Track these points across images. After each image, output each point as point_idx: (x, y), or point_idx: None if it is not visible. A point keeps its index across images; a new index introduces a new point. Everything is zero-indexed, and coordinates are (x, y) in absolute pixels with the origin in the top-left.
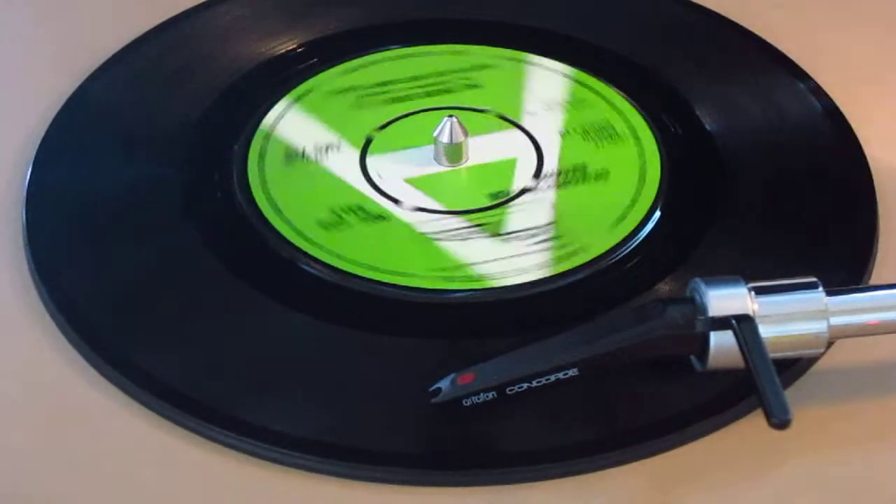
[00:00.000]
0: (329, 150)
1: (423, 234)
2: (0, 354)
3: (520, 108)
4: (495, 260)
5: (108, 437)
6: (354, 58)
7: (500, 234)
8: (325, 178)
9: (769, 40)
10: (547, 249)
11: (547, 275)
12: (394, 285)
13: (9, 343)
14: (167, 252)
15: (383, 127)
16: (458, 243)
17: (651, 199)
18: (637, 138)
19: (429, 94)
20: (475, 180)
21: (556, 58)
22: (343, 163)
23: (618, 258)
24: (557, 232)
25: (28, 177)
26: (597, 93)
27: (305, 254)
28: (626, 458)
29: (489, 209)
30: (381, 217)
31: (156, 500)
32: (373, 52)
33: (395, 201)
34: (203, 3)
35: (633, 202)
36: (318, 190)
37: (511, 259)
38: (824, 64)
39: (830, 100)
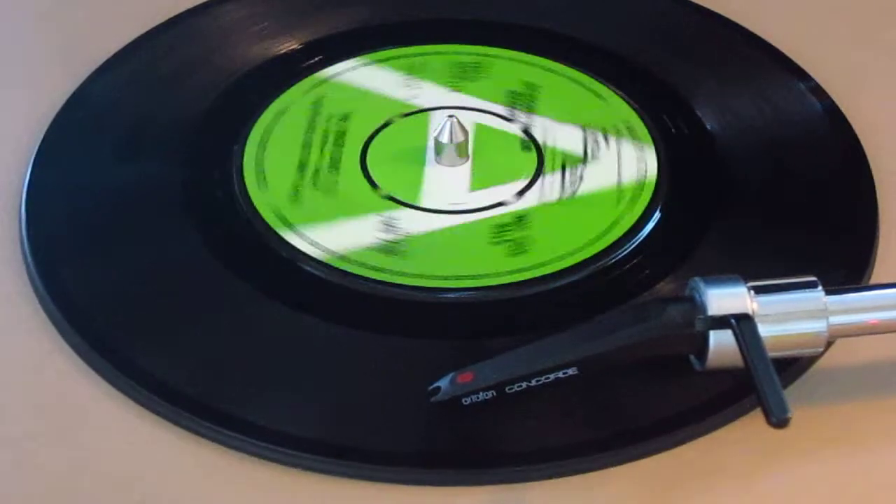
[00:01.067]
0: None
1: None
2: (0, 354)
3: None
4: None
5: (108, 437)
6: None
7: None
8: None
9: (769, 40)
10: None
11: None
12: (394, 285)
13: (9, 343)
14: (167, 252)
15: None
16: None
17: (651, 199)
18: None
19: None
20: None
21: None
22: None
23: (618, 258)
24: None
25: (28, 177)
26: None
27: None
28: (625, 457)
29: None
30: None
31: (156, 500)
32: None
33: (374, 186)
34: (203, 4)
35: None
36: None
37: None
38: (824, 64)
39: (830, 100)
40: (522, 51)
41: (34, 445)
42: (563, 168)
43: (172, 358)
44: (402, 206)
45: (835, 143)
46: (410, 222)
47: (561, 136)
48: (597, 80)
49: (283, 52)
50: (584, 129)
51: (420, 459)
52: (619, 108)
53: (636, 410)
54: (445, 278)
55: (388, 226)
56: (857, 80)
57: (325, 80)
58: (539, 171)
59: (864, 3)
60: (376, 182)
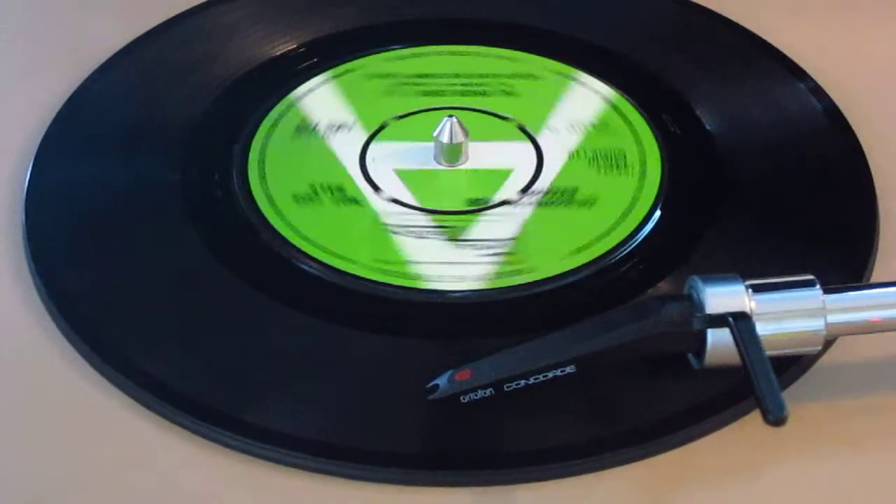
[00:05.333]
0: (340, 129)
1: (384, 224)
2: (0, 354)
3: (542, 123)
4: (439, 263)
5: (108, 437)
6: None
7: (456, 239)
8: (321, 153)
9: (769, 40)
10: (494, 263)
11: (488, 287)
12: (394, 285)
13: (9, 343)
14: (167, 252)
15: (402, 117)
16: (412, 239)
17: (651, 199)
18: (644, 173)
19: (463, 94)
20: (461, 184)
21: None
22: (346, 143)
23: (618, 258)
24: (512, 248)
25: (28, 177)
26: (627, 121)
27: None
28: (625, 457)
29: (460, 213)
30: (355, 201)
31: (156, 500)
32: (427, 45)
33: (376, 188)
34: (203, 3)
35: (606, 234)
36: (309, 163)
37: (454, 265)
38: (824, 64)
39: (830, 100)
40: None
41: (34, 445)
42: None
43: (172, 358)
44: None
45: (835, 143)
46: (485, 230)
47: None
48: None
49: (282, 52)
50: (594, 154)
51: (419, 460)
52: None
53: (636, 411)
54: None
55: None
56: (857, 80)
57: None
58: (528, 187)
59: (864, 3)
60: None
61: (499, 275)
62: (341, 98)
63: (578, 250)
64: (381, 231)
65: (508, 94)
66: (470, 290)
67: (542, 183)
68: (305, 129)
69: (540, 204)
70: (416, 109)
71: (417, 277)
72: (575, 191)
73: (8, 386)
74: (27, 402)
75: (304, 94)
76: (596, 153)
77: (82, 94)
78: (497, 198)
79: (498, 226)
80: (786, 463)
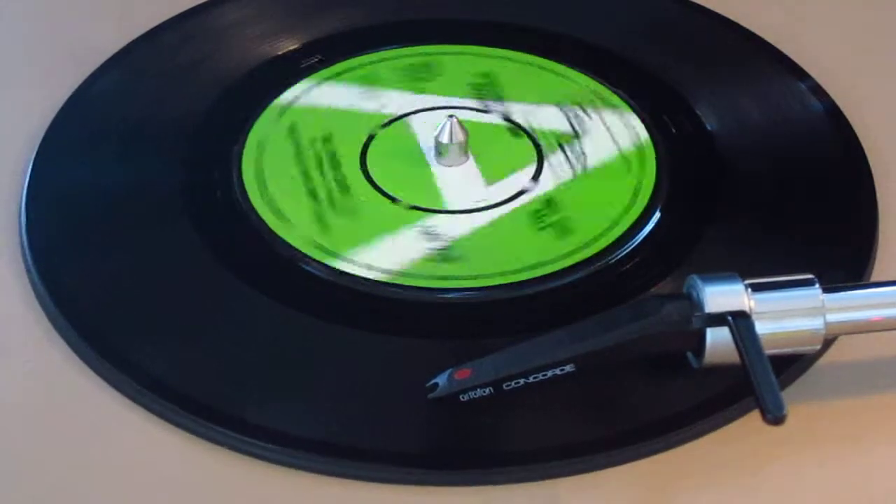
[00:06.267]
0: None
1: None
2: (0, 354)
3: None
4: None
5: (108, 436)
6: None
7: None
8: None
9: (769, 40)
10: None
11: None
12: (394, 285)
13: (9, 343)
14: (167, 252)
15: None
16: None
17: (651, 199)
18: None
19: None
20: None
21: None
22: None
23: (618, 258)
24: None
25: (28, 177)
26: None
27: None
28: (624, 457)
29: (442, 213)
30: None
31: (156, 500)
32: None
33: (394, 200)
34: (203, 3)
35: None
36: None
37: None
38: (824, 64)
39: (830, 100)
40: (522, 50)
41: (34, 445)
42: (562, 147)
43: (172, 358)
44: (432, 213)
45: (835, 143)
46: (449, 226)
47: (542, 117)
48: (595, 79)
49: (282, 52)
50: (560, 107)
51: (418, 459)
52: (586, 83)
53: (635, 410)
54: (514, 272)
55: (430, 234)
56: (857, 80)
57: (288, 107)
58: (540, 154)
59: (864, 3)
60: (394, 195)
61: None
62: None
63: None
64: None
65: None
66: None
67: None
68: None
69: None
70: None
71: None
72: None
73: (8, 386)
74: (27, 402)
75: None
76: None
77: (82, 94)
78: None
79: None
80: (785, 462)
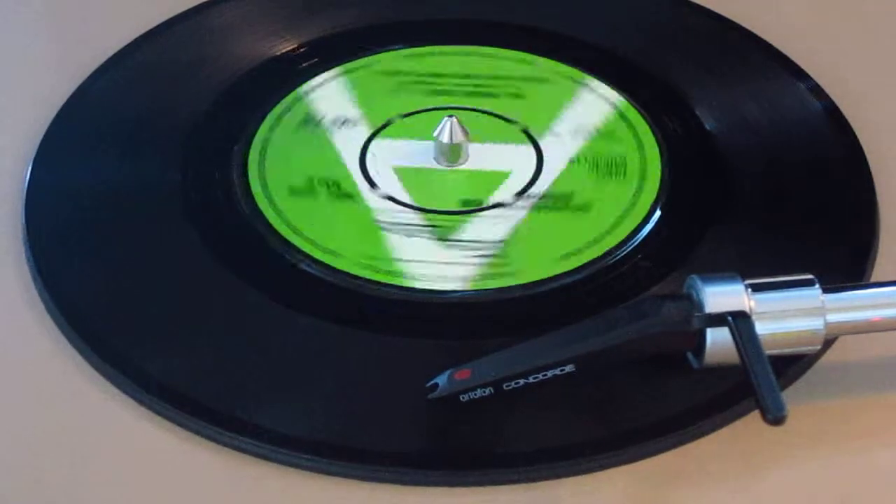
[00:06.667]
0: (344, 124)
1: (376, 220)
2: (0, 354)
3: (547, 127)
4: (426, 262)
5: (108, 436)
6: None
7: (446, 239)
8: (323, 147)
9: (769, 40)
10: (480, 265)
11: (473, 288)
12: (394, 285)
13: (9, 343)
14: (167, 252)
15: (408, 115)
16: (401, 237)
17: (651, 199)
18: (644, 173)
19: (469, 94)
20: (458, 184)
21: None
22: (349, 138)
23: (618, 257)
24: (500, 251)
25: (28, 177)
26: (627, 122)
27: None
28: (624, 458)
29: (452, 213)
30: (349, 196)
31: (156, 500)
32: (438, 45)
33: (373, 185)
34: (203, 3)
35: (606, 234)
36: (310, 157)
37: (441, 265)
38: (824, 64)
39: (830, 100)
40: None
41: (34, 445)
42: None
43: (172, 358)
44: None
45: (835, 143)
46: (476, 231)
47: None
48: (641, 116)
49: (282, 52)
50: (596, 160)
51: (418, 459)
52: (645, 149)
53: (636, 410)
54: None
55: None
56: (857, 80)
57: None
58: (525, 191)
59: (864, 3)
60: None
61: (484, 276)
62: (349, 94)
63: (578, 251)
64: (372, 228)
65: (516, 96)
66: (457, 290)
67: (539, 187)
68: (311, 122)
69: (534, 208)
70: (422, 108)
71: (401, 274)
72: (571, 196)
73: (8, 386)
74: (27, 402)
75: (313, 89)
76: (597, 155)
77: (82, 94)
78: (491, 200)
79: (488, 228)
80: (786, 462)
